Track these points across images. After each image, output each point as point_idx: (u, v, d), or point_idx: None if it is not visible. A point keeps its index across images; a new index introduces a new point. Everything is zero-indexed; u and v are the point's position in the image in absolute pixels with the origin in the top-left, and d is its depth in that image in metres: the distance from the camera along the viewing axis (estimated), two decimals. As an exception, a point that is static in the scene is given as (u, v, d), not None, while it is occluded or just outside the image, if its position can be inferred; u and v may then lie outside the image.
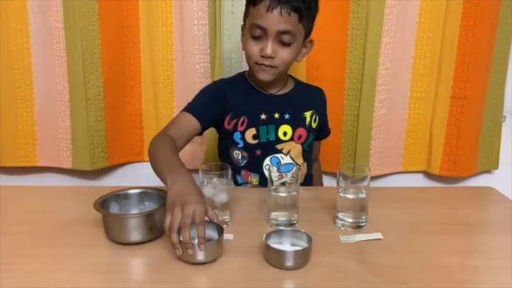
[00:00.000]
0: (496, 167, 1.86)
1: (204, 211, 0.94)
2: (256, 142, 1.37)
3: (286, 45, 1.27)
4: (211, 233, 0.97)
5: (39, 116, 1.76)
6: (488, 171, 1.89)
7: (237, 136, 1.38)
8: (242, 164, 1.40)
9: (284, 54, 1.28)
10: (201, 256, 0.91)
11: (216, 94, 1.40)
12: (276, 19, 1.22)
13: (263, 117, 1.37)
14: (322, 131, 1.52)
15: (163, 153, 1.18)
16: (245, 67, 1.67)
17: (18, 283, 0.87)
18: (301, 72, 1.65)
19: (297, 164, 1.41)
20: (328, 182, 1.78)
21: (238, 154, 1.39)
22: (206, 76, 1.71)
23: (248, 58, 1.32)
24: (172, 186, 1.01)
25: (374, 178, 1.79)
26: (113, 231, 1.01)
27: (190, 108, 1.36)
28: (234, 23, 1.66)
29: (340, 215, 1.10)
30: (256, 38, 1.27)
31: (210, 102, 1.38)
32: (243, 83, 1.43)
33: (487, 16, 1.64)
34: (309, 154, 1.46)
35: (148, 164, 1.86)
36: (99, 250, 0.99)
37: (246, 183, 1.41)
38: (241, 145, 1.38)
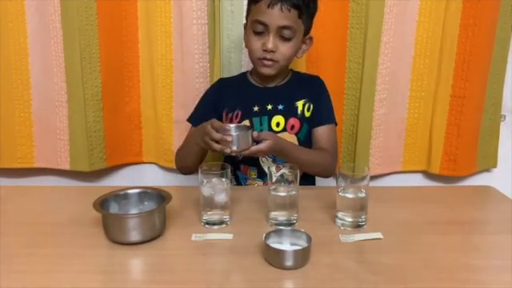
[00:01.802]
0: (495, 166, 1.86)
1: (208, 125, 1.20)
2: None
3: (286, 40, 1.34)
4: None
5: (36, 117, 1.75)
6: (487, 170, 1.89)
7: None
8: (240, 158, 1.44)
9: (284, 48, 1.34)
10: (234, 146, 1.17)
11: (210, 98, 1.50)
12: (277, 15, 1.29)
13: (256, 109, 1.42)
14: (318, 117, 1.44)
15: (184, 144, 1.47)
16: (244, 67, 1.67)
17: (18, 283, 0.87)
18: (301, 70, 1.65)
19: None
20: (328, 181, 1.77)
21: None
22: (205, 76, 1.71)
23: (251, 53, 1.38)
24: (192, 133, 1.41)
25: (373, 178, 1.79)
26: (112, 231, 1.01)
27: (191, 118, 1.50)
28: (233, 23, 1.66)
29: (340, 215, 1.10)
30: (258, 34, 1.34)
31: (206, 108, 1.47)
32: (241, 80, 1.50)
33: (487, 15, 1.64)
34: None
35: (147, 165, 1.88)
36: (99, 249, 0.99)
37: (246, 178, 1.45)
38: None
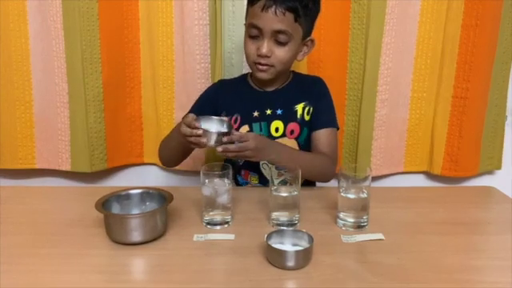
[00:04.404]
0: (499, 168, 1.85)
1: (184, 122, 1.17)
2: None
3: (281, 44, 1.29)
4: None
5: (38, 117, 1.75)
6: (490, 172, 1.88)
7: None
8: (241, 163, 1.42)
9: (280, 53, 1.30)
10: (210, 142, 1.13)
11: (208, 98, 1.47)
12: (271, 19, 1.25)
13: (256, 114, 1.39)
14: (317, 120, 1.40)
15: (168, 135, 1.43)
16: (245, 68, 1.67)
17: (18, 283, 0.87)
18: (302, 71, 1.64)
19: None
20: (330, 182, 1.77)
21: None
22: (206, 77, 1.71)
23: (246, 57, 1.36)
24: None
25: (375, 179, 1.79)
26: (114, 231, 1.01)
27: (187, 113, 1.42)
28: (234, 23, 1.66)
29: (341, 215, 1.10)
30: (253, 38, 1.31)
31: (204, 107, 1.42)
32: (241, 83, 1.47)
33: (489, 15, 1.64)
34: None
35: (148, 166, 1.88)
36: (100, 250, 0.99)
37: (247, 183, 1.43)
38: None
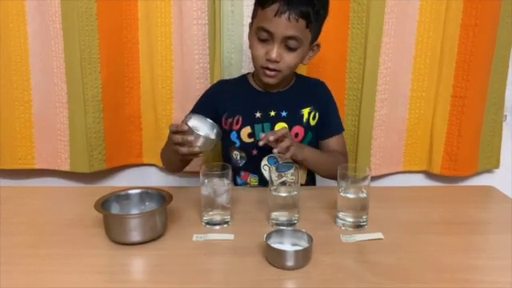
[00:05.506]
0: (497, 166, 1.85)
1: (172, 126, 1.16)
2: (252, 140, 1.38)
3: (291, 49, 1.28)
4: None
5: (37, 117, 1.75)
6: (489, 170, 1.88)
7: (233, 135, 1.40)
8: (240, 164, 1.41)
9: (289, 58, 1.29)
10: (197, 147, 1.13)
11: (209, 99, 1.46)
12: (283, 24, 1.23)
13: (258, 115, 1.38)
14: (327, 128, 1.44)
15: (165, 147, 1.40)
16: (245, 68, 1.67)
17: (18, 283, 0.87)
18: (301, 72, 1.64)
19: (295, 162, 1.40)
20: (329, 182, 1.77)
21: (236, 155, 1.41)
22: (205, 76, 1.70)
23: (254, 59, 1.34)
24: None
25: (374, 178, 1.79)
26: (113, 231, 1.01)
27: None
28: (233, 23, 1.65)
29: (341, 215, 1.10)
30: (262, 41, 1.29)
31: (205, 109, 1.40)
32: (242, 84, 1.46)
33: (488, 15, 1.64)
34: None
35: (148, 167, 1.88)
36: (100, 250, 0.99)
37: (246, 184, 1.42)
38: (238, 144, 1.39)
